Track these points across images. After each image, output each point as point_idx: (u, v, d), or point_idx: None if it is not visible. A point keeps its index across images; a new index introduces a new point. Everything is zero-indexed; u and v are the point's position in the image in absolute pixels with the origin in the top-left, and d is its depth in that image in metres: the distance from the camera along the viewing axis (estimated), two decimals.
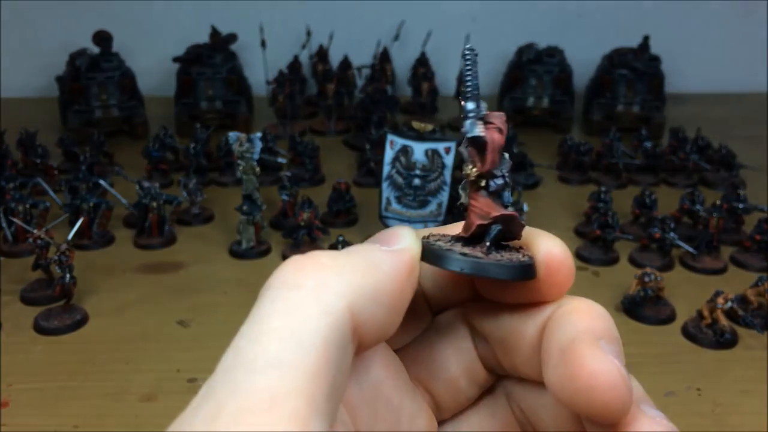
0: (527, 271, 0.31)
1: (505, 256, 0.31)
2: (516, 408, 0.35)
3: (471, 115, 0.32)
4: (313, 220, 1.23)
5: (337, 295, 0.26)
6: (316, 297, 0.26)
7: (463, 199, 0.34)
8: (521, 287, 0.32)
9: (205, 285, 1.16)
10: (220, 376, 0.24)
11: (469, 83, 0.32)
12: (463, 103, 0.32)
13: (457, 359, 0.35)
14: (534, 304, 0.32)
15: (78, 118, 1.71)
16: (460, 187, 0.34)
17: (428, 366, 0.35)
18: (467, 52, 0.32)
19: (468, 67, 0.32)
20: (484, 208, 0.32)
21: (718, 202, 1.27)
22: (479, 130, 0.32)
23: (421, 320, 0.36)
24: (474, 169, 0.32)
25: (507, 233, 0.32)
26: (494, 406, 0.36)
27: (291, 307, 0.26)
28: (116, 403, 0.90)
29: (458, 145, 0.34)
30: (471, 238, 0.33)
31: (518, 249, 0.33)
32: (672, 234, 1.20)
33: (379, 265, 0.29)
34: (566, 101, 1.83)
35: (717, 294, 1.03)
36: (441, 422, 0.36)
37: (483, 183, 0.32)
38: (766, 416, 0.88)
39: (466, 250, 0.32)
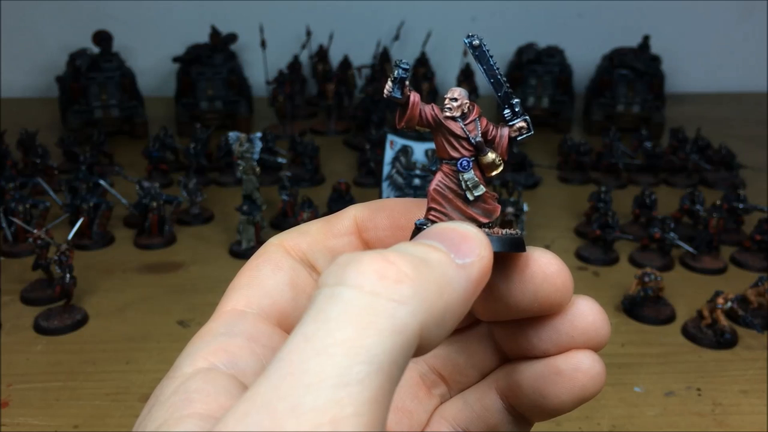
0: (520, 243, 0.33)
1: (498, 232, 0.33)
2: (424, 369, 0.38)
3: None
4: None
5: (412, 315, 0.25)
6: (391, 313, 0.25)
7: (479, 191, 0.34)
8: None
9: (205, 285, 1.16)
10: (276, 382, 0.23)
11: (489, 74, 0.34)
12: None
13: None
14: None
15: (78, 118, 1.71)
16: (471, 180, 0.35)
17: None
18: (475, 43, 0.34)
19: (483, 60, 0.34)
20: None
21: (718, 202, 1.27)
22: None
23: None
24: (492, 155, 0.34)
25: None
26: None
27: (365, 318, 0.24)
28: (116, 403, 0.90)
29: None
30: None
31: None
32: (672, 234, 1.20)
33: (452, 284, 0.27)
34: (566, 101, 1.83)
35: (717, 294, 1.03)
36: None
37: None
38: (766, 416, 0.88)
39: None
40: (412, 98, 0.33)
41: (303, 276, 0.36)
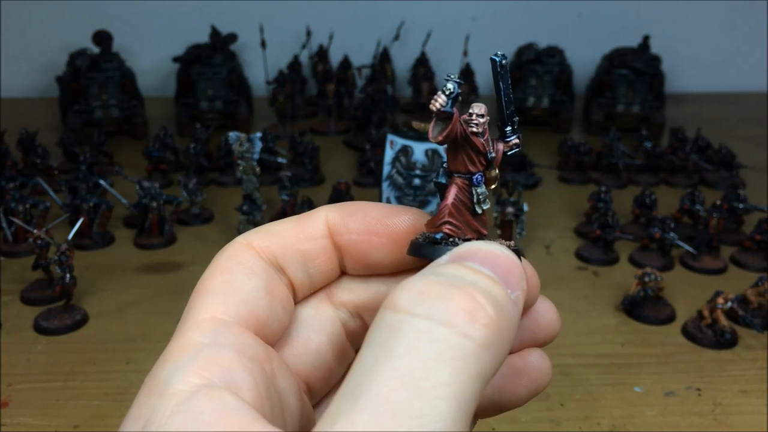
0: (520, 254, 0.34)
1: None
2: None
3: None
4: None
5: (493, 361, 0.27)
6: (479, 358, 0.26)
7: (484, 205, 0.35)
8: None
9: None
10: (374, 419, 0.24)
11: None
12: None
13: (331, 345, 0.37)
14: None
15: (78, 118, 1.71)
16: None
17: (306, 358, 0.36)
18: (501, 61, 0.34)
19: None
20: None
21: (718, 202, 1.27)
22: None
23: (289, 314, 0.36)
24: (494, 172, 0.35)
25: None
26: None
27: (458, 363, 0.25)
28: (116, 403, 0.90)
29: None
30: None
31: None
32: (672, 234, 1.20)
33: (513, 323, 0.29)
34: (566, 101, 1.83)
35: (717, 294, 1.03)
36: (315, 405, 0.37)
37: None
38: (766, 416, 0.88)
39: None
40: (455, 114, 0.33)
41: (276, 281, 0.35)
